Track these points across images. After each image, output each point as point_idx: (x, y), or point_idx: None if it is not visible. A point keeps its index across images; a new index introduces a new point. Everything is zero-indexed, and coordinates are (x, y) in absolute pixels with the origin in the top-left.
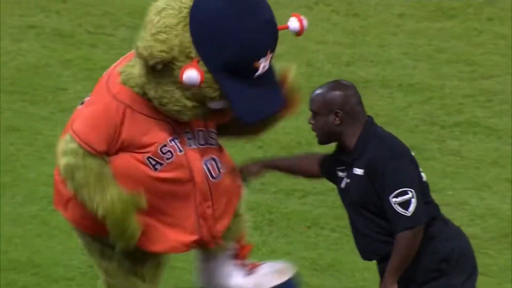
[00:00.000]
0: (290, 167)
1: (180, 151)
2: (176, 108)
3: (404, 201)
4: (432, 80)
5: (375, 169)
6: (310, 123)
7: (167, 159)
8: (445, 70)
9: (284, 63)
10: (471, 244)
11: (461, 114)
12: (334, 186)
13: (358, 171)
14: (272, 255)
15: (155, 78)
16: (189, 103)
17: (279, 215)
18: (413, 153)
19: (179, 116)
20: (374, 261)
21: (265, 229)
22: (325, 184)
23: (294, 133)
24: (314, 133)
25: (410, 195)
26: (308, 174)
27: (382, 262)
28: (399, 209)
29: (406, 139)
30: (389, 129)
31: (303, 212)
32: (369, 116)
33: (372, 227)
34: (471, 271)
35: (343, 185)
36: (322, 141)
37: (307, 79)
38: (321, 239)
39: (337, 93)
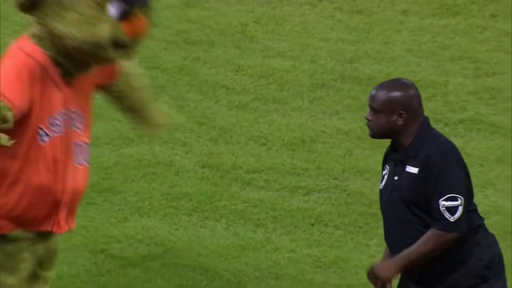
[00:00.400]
0: None
1: (65, 127)
2: (85, 33)
3: (452, 207)
4: (436, 77)
5: (432, 169)
6: (367, 119)
7: (54, 132)
8: (449, 67)
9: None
10: None
11: (465, 111)
12: (338, 183)
13: (412, 169)
14: (276, 252)
15: (46, 14)
16: (89, 12)
17: (283, 212)
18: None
19: (98, 47)
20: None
21: (269, 226)
22: (329, 182)
23: (297, 130)
24: (318, 130)
25: (459, 202)
26: None
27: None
28: (446, 213)
29: None
30: None
31: (307, 210)
32: (425, 116)
33: (420, 227)
34: (504, 277)
35: (385, 182)
36: (376, 136)
37: (310, 76)
38: (325, 236)
39: (401, 93)
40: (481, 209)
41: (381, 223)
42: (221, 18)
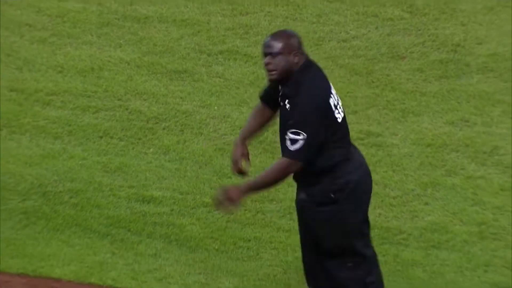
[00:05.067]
0: (258, 126)
1: None
2: None
3: (294, 139)
4: (200, 16)
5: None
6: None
7: None
8: (211, 8)
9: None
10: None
11: (224, 44)
12: (121, 103)
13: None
14: (71, 160)
15: None
16: None
17: (76, 127)
18: None
19: None
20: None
21: (65, 139)
22: (114, 102)
23: (88, 60)
24: (105, 60)
25: (301, 137)
26: (269, 119)
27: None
28: (288, 143)
29: (179, 65)
30: (165, 57)
31: (96, 125)
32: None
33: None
34: (360, 201)
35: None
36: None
37: (98, 16)
38: (111, 146)
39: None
40: (238, 124)
41: (157, 135)
42: None
